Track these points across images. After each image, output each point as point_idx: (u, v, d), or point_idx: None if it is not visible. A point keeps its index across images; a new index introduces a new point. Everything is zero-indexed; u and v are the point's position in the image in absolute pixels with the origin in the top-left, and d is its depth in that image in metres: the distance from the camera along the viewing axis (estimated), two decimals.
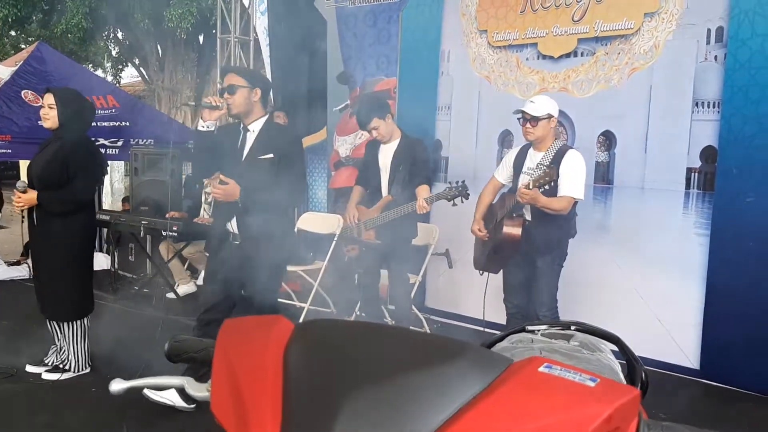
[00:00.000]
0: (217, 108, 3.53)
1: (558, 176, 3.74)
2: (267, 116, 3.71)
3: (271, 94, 7.62)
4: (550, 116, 3.87)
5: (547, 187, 3.68)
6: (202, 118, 3.55)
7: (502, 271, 4.20)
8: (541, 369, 0.94)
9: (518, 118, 3.96)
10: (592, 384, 0.92)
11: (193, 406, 3.65)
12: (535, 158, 3.96)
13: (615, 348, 1.71)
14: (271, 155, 3.56)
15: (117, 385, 1.12)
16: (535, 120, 3.86)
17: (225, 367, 0.99)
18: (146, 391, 3.53)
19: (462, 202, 4.23)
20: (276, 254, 3.60)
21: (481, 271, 4.30)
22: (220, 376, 0.98)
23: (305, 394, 0.89)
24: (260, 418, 0.88)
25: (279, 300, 5.84)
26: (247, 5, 8.23)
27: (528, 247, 3.91)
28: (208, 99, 3.58)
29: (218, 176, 3.57)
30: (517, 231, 3.88)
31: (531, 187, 3.65)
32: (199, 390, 1.05)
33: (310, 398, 0.88)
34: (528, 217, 3.91)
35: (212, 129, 3.56)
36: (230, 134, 3.70)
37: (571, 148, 3.98)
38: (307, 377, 0.92)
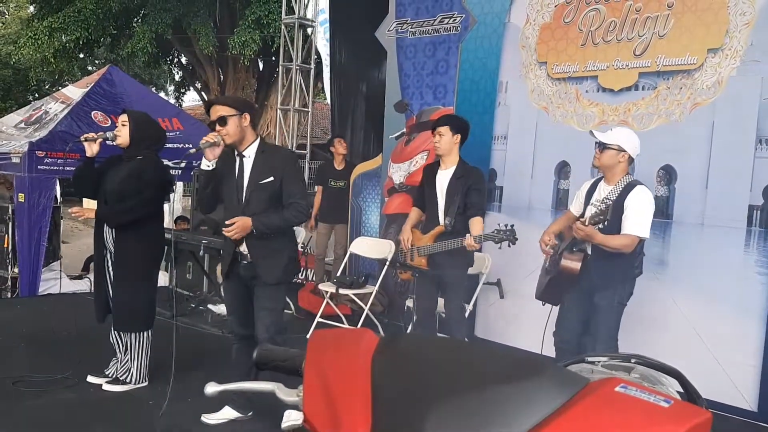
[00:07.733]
0: (216, 144, 3.54)
1: (622, 212, 3.63)
2: (258, 139, 3.73)
3: (335, 118, 7.83)
4: (620, 149, 3.73)
5: (601, 225, 3.56)
6: (205, 157, 3.57)
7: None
8: (617, 389, 0.98)
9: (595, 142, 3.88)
10: (666, 405, 0.96)
11: (250, 413, 3.82)
12: (603, 191, 3.83)
13: (677, 383, 1.71)
14: (271, 178, 3.59)
15: (211, 388, 1.19)
16: (602, 146, 3.77)
17: (316, 374, 1.05)
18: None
19: (509, 246, 4.20)
20: (281, 273, 3.68)
21: (543, 303, 4.15)
22: (311, 382, 1.05)
23: (394, 401, 0.95)
24: (352, 421, 0.94)
25: (328, 322, 6.01)
26: (309, 34, 8.49)
27: (586, 282, 3.76)
28: (206, 139, 3.53)
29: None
30: (575, 265, 3.76)
31: (587, 224, 3.54)
32: (289, 395, 1.12)
33: (399, 404, 0.94)
34: (589, 251, 3.78)
35: (215, 167, 3.61)
36: (226, 163, 3.71)
37: (641, 184, 3.79)
38: (395, 385, 0.98)
